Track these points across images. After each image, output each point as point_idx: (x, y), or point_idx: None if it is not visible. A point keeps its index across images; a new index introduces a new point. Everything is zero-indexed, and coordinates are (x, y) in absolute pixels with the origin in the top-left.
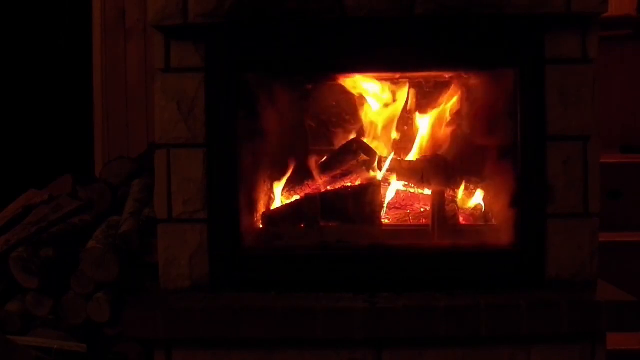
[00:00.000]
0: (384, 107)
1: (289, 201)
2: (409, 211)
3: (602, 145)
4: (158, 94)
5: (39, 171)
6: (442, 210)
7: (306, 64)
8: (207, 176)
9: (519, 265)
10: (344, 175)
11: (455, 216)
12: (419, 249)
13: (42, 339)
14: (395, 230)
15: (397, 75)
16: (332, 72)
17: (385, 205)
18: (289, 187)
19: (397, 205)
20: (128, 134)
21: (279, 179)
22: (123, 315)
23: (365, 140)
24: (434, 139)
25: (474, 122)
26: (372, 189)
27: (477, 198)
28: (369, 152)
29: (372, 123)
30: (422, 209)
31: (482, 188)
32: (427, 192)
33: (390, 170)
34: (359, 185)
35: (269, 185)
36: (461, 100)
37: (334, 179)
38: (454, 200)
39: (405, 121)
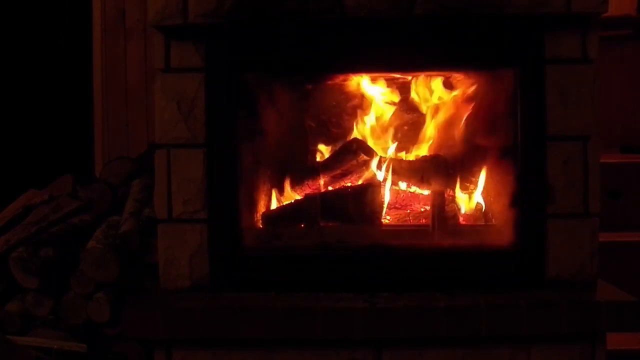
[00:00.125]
0: (384, 107)
1: (289, 201)
2: (409, 211)
3: (602, 145)
4: (158, 94)
5: (39, 171)
6: (442, 210)
7: (306, 64)
8: (207, 176)
9: (519, 265)
10: (344, 175)
11: (455, 216)
12: (419, 249)
13: (42, 339)
14: (395, 230)
15: (397, 75)
16: (332, 72)
17: (385, 205)
18: (289, 187)
19: (397, 205)
20: (128, 134)
21: (279, 178)
22: (123, 315)
23: (365, 140)
24: (433, 139)
25: (474, 122)
26: (372, 189)
27: (477, 198)
28: (369, 152)
29: (372, 123)
30: (422, 209)
31: (482, 188)
32: (427, 192)
33: (390, 170)
34: (359, 185)
35: (269, 185)
36: (461, 100)
37: (334, 179)
38: (454, 200)
39: (405, 121)
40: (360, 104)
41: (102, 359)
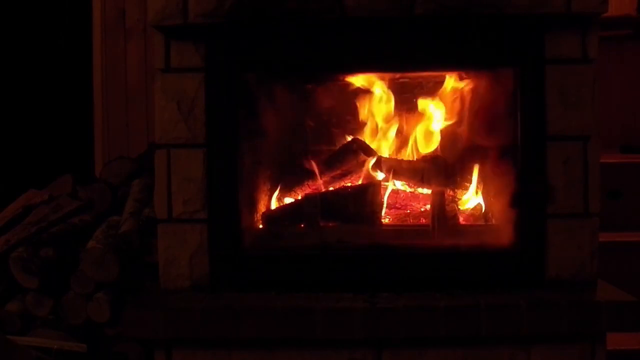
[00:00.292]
0: (384, 107)
1: (289, 201)
2: (409, 211)
3: (602, 145)
4: (158, 94)
5: (39, 171)
6: (442, 210)
7: (306, 64)
8: (207, 176)
9: (519, 265)
10: (344, 175)
11: (455, 216)
12: (419, 249)
13: (42, 339)
14: (395, 230)
15: (397, 75)
16: (332, 72)
17: (385, 205)
18: (289, 187)
19: (397, 205)
20: (128, 134)
21: (279, 178)
22: (123, 315)
23: (365, 139)
24: (433, 138)
25: (474, 122)
26: (372, 189)
27: (477, 198)
28: (369, 152)
29: (372, 123)
30: (422, 209)
31: (482, 188)
32: (427, 191)
33: (390, 170)
34: (359, 185)
35: (269, 185)
36: (461, 100)
37: (334, 179)
38: (454, 200)
39: (405, 121)
40: (360, 103)
41: (102, 359)
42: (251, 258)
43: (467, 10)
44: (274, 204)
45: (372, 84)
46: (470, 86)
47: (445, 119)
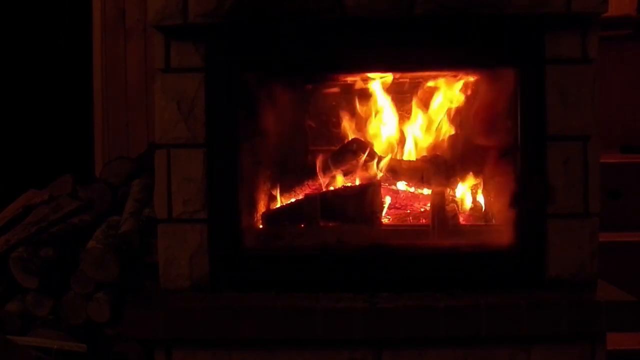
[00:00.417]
0: (384, 107)
1: (289, 201)
2: (409, 211)
3: (602, 145)
4: (158, 94)
5: (39, 171)
6: (442, 210)
7: (306, 64)
8: (207, 176)
9: (519, 265)
10: (344, 175)
11: (455, 216)
12: (419, 249)
13: (42, 339)
14: (395, 230)
15: (397, 75)
16: (332, 72)
17: (385, 205)
18: (289, 187)
19: (397, 205)
20: (128, 134)
21: (279, 178)
22: (123, 315)
23: (365, 139)
24: (433, 139)
25: (474, 122)
26: (372, 189)
27: (477, 198)
28: (369, 152)
29: (371, 123)
30: (422, 209)
31: (482, 188)
32: (427, 191)
33: (390, 170)
34: (359, 185)
35: (269, 185)
36: (461, 100)
37: (334, 179)
38: (454, 200)
39: (405, 121)
40: (360, 103)
41: (102, 359)
42: (251, 258)
43: (467, 10)
44: (274, 204)
45: (372, 84)
46: (470, 86)
47: (445, 119)
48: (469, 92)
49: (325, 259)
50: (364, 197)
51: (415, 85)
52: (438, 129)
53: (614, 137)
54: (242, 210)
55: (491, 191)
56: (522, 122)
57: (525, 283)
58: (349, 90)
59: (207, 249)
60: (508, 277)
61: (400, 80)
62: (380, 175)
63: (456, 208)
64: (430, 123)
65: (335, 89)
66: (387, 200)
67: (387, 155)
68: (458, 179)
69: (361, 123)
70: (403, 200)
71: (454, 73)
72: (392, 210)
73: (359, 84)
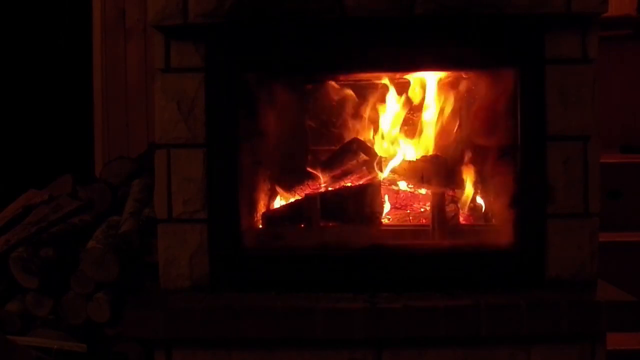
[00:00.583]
0: (384, 107)
1: (289, 201)
2: (409, 211)
3: (602, 145)
4: (158, 94)
5: (39, 171)
6: (442, 210)
7: (306, 64)
8: (207, 176)
9: (519, 265)
10: (344, 175)
11: (455, 216)
12: (419, 249)
13: (42, 339)
14: (395, 230)
15: (397, 75)
16: (332, 72)
17: (385, 205)
18: (289, 187)
19: (397, 205)
20: (128, 134)
21: (279, 179)
22: (123, 315)
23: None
24: (433, 139)
25: (474, 122)
26: (372, 189)
27: (477, 198)
28: (369, 152)
29: (372, 123)
30: (422, 209)
31: (482, 188)
32: (427, 191)
33: (390, 170)
34: (359, 185)
35: (269, 185)
36: (461, 100)
37: (334, 179)
38: (454, 200)
39: (404, 121)
40: (359, 103)
41: (102, 359)
42: (251, 258)
43: (467, 10)
44: (274, 204)
45: (371, 83)
46: (470, 86)
47: (445, 119)
48: (469, 92)
49: (325, 259)
50: (364, 197)
51: (415, 85)
52: (438, 129)
53: (614, 137)
54: (242, 210)
55: (491, 191)
56: (522, 122)
57: (525, 283)
58: (349, 89)
59: (207, 249)
60: (508, 277)
61: (400, 80)
62: (390, 176)
63: (456, 208)
64: (430, 123)
65: (335, 89)
66: (387, 199)
67: (387, 155)
68: (458, 179)
69: (361, 123)
70: (403, 200)
71: (454, 73)
72: (392, 210)
73: (358, 84)
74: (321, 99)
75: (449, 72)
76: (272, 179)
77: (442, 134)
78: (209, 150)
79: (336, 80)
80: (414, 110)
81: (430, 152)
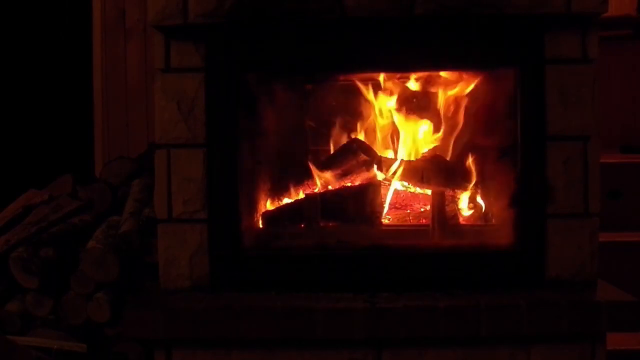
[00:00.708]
0: (384, 107)
1: (288, 201)
2: (409, 211)
3: (602, 145)
4: (158, 94)
5: (39, 171)
6: (442, 210)
7: (306, 64)
8: (207, 176)
9: (519, 265)
10: (344, 175)
11: (455, 216)
12: (419, 249)
13: (42, 339)
14: (395, 230)
15: (397, 75)
16: (332, 72)
17: (385, 205)
18: (289, 187)
19: (397, 205)
20: (128, 134)
21: (279, 178)
22: (123, 315)
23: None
24: (433, 139)
25: (474, 122)
26: (372, 189)
27: (477, 198)
28: (369, 152)
29: (372, 123)
30: (422, 209)
31: (482, 188)
32: (427, 192)
33: (391, 170)
34: (359, 185)
35: (269, 185)
36: (461, 100)
37: (334, 179)
38: (454, 200)
39: (404, 121)
40: (360, 103)
41: (102, 359)
42: (251, 258)
43: (467, 10)
44: (273, 204)
45: (372, 83)
46: (470, 86)
47: (445, 119)
48: (469, 92)
49: (325, 259)
50: (364, 197)
51: (415, 85)
52: (438, 129)
53: (614, 137)
54: (242, 210)
55: (491, 191)
56: (522, 122)
57: (525, 283)
58: (348, 90)
59: (207, 249)
60: (508, 277)
61: (400, 80)
62: (380, 175)
63: (456, 208)
64: (430, 123)
65: (335, 89)
66: (387, 200)
67: (386, 155)
68: (458, 179)
69: (361, 123)
70: (403, 200)
71: (453, 73)
72: (392, 210)
73: (359, 84)
74: (321, 99)
75: (449, 72)
76: (272, 179)
77: (442, 134)
78: (209, 150)
79: (336, 80)
80: (413, 111)
81: (431, 152)
